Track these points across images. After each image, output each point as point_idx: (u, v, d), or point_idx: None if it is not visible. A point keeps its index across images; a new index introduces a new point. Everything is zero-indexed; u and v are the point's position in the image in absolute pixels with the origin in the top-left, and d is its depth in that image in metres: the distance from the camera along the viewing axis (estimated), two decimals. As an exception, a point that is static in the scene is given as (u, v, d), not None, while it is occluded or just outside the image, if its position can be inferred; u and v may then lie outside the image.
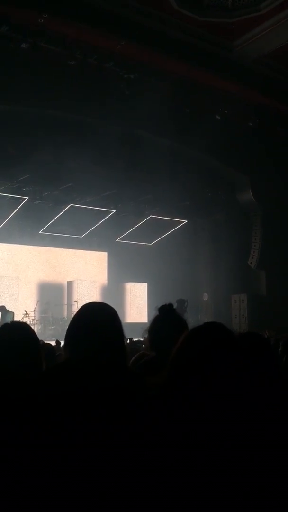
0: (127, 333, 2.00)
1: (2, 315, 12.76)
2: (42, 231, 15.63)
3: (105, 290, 17.24)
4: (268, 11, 9.33)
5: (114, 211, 15.00)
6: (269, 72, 11.27)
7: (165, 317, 2.52)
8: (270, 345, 2.60)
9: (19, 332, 1.97)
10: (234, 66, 10.88)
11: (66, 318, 15.92)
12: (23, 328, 2.03)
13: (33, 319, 14.28)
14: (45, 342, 5.89)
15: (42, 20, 8.84)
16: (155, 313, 2.63)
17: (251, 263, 14.80)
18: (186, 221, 16.54)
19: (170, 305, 2.58)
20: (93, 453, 1.41)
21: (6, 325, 2.11)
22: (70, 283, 16.93)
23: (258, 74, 11.28)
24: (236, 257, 14.94)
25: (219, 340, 1.58)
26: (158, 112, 11.00)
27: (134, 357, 2.59)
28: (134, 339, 7.03)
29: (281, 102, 12.14)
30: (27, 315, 14.03)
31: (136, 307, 16.85)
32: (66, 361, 1.79)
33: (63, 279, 16.99)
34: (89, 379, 1.62)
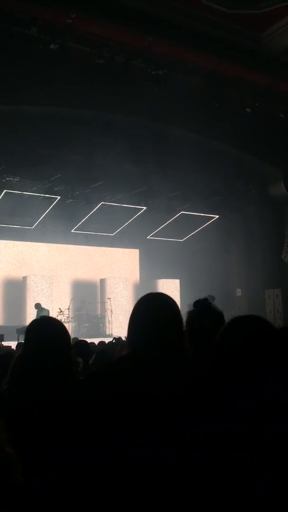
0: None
1: (37, 312, 13.00)
2: (74, 230, 15.81)
3: (137, 287, 17.31)
4: (297, 0, 9.14)
5: (145, 208, 15.02)
6: (300, 62, 11.04)
7: (202, 310, 2.53)
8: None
9: (51, 327, 1.98)
10: (263, 58, 10.71)
11: (99, 315, 16.07)
12: (55, 324, 2.03)
13: (67, 317, 14.47)
14: (79, 339, 5.96)
15: (70, 20, 8.92)
16: (188, 309, 2.62)
17: (284, 257, 14.57)
18: (218, 216, 16.40)
19: (205, 299, 2.59)
20: (169, 456, 1.32)
21: (38, 319, 2.15)
22: (103, 281, 17.08)
23: (288, 65, 11.07)
24: (269, 251, 14.74)
25: (260, 333, 1.58)
26: (187, 107, 10.95)
27: None
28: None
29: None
30: (61, 313, 14.23)
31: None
32: (128, 356, 1.75)
33: (96, 277, 17.15)
34: (155, 376, 1.56)
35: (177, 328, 1.73)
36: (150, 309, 1.80)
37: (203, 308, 2.53)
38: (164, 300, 1.87)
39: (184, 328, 1.79)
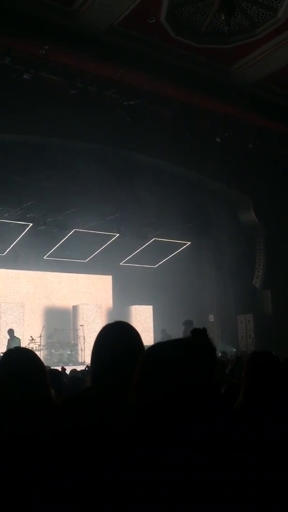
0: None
1: (9, 339, 12.76)
2: (46, 257, 15.72)
3: (110, 313, 17.21)
4: (264, 36, 9.56)
5: (118, 234, 15.09)
6: (267, 95, 11.48)
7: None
8: (279, 363, 2.63)
9: (24, 359, 1.91)
10: (232, 90, 11.09)
11: (72, 343, 15.87)
12: (28, 355, 1.94)
13: (39, 345, 14.24)
14: (51, 368, 5.89)
15: (44, 51, 9.08)
16: (162, 335, 2.63)
17: (256, 283, 14.78)
18: (190, 242, 16.59)
19: (204, 329, 2.50)
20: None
21: (9, 352, 2.06)
22: (75, 308, 16.93)
23: (257, 97, 11.49)
24: (241, 277, 14.93)
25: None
26: (159, 137, 11.19)
27: None
28: None
29: (280, 124, 12.32)
30: (33, 340, 14.00)
31: (142, 330, 16.78)
32: (88, 389, 1.74)
33: (68, 304, 16.99)
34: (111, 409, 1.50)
35: (133, 359, 1.65)
36: (110, 340, 1.77)
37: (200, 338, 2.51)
38: (125, 331, 1.83)
39: None
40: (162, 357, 1.32)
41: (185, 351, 1.34)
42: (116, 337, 1.78)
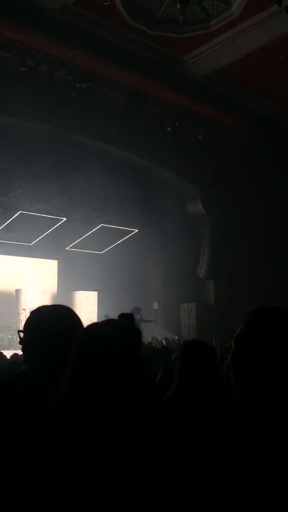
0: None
1: None
2: (-10, 238, 15.30)
3: (54, 298, 17.03)
4: (216, 29, 9.65)
5: (65, 219, 14.90)
6: (218, 88, 11.62)
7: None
8: (214, 353, 2.70)
9: None
10: (184, 80, 11.14)
11: (14, 326, 15.58)
12: None
13: (-21, 328, 13.90)
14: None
15: (-7, 25, 8.75)
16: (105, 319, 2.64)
17: (200, 272, 15.08)
18: (137, 230, 16.65)
19: (131, 314, 2.54)
20: None
21: None
22: (18, 291, 16.61)
23: (207, 89, 11.61)
24: (185, 266, 15.18)
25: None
26: (110, 122, 11.10)
27: None
28: None
29: (229, 117, 12.53)
30: (-27, 324, 13.65)
31: (86, 315, 16.75)
32: (22, 373, 1.68)
33: (11, 288, 16.64)
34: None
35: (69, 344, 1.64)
36: (42, 323, 1.69)
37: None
38: (60, 312, 1.75)
39: None
40: (98, 336, 1.30)
41: (119, 331, 1.33)
42: (52, 318, 1.71)
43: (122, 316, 2.30)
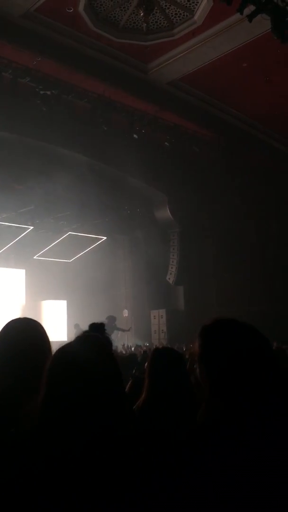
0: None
1: None
2: None
3: (22, 308, 16.75)
4: (180, 37, 9.73)
5: (32, 227, 14.70)
6: (183, 95, 11.73)
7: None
8: (183, 360, 2.68)
9: None
10: (149, 87, 11.19)
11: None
12: None
13: None
14: None
15: None
16: (75, 330, 2.60)
17: (169, 279, 15.12)
18: (105, 237, 16.59)
19: (102, 324, 2.51)
20: None
21: None
22: (-15, 303, 16.27)
23: (173, 96, 11.70)
24: (154, 273, 15.20)
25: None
26: (76, 129, 11.03)
27: None
28: None
29: (195, 123, 12.66)
30: None
31: (55, 325, 16.54)
32: None
33: (-23, 299, 16.28)
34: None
35: (36, 359, 1.57)
36: (12, 336, 1.70)
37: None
38: (29, 327, 1.75)
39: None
40: (70, 357, 1.26)
41: (92, 348, 1.29)
42: (19, 333, 1.70)
43: (93, 326, 2.26)
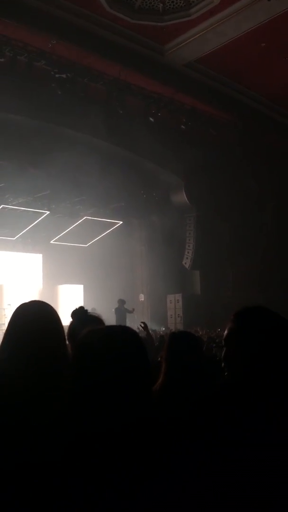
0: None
1: None
2: (-28, 234, 15.08)
3: (39, 292, 16.90)
4: (197, 17, 9.54)
5: (48, 212, 14.75)
6: (200, 77, 11.54)
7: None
8: (200, 344, 2.68)
9: None
10: (165, 70, 11.04)
11: (-1, 322, 15.46)
12: None
13: None
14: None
15: None
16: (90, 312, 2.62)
17: (185, 263, 15.09)
18: (122, 222, 16.57)
19: (81, 308, 2.55)
20: None
21: None
22: (1, 287, 16.45)
23: (189, 78, 11.52)
24: (171, 258, 15.17)
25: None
26: (92, 112, 10.96)
27: None
28: None
29: (211, 106, 12.47)
30: None
31: (72, 309, 16.65)
32: None
33: (-5, 283, 16.47)
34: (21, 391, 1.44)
35: (51, 344, 1.59)
36: (20, 321, 1.69)
37: (80, 318, 2.54)
38: (41, 310, 1.73)
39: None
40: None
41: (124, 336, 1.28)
42: (31, 317, 1.69)
43: (78, 310, 2.30)
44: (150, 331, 6.01)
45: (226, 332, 1.57)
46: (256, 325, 1.50)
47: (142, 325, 5.49)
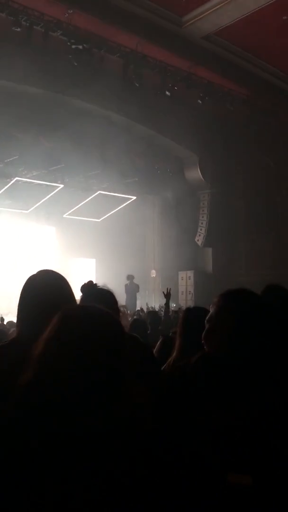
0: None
1: None
2: (-14, 206, 15.14)
3: (52, 266, 17.03)
4: (218, -12, 9.30)
5: (62, 186, 14.73)
6: (218, 50, 11.29)
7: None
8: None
9: None
10: (183, 42, 10.81)
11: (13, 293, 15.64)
12: None
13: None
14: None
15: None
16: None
17: (198, 240, 15.05)
18: (135, 197, 16.50)
19: (90, 281, 2.56)
20: None
21: None
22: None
23: (207, 51, 11.28)
24: (183, 234, 15.13)
25: None
26: (108, 85, 10.82)
27: None
28: None
29: (230, 81, 12.23)
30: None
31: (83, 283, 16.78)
32: (13, 339, 1.69)
33: (9, 255, 16.61)
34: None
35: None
36: (35, 289, 1.72)
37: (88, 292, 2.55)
38: (51, 279, 1.77)
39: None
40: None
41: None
42: (42, 285, 1.72)
43: (87, 284, 2.31)
44: (160, 307, 6.08)
45: (210, 312, 1.75)
46: (235, 306, 1.66)
47: (165, 292, 5.72)
